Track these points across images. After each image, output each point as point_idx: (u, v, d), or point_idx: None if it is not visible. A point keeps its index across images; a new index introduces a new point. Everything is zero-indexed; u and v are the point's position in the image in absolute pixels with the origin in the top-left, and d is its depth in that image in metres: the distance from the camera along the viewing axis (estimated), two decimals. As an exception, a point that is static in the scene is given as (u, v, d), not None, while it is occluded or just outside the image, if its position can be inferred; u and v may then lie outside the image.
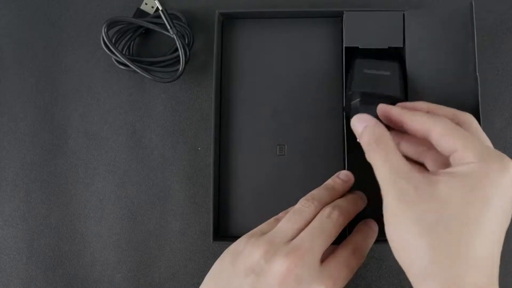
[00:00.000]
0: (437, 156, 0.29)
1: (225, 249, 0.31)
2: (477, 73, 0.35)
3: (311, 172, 0.37)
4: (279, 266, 0.27)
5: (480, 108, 0.35)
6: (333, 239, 0.29)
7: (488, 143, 0.29)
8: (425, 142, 0.29)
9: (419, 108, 0.30)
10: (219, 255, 0.31)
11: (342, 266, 0.29)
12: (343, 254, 0.30)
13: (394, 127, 0.31)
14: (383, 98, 0.32)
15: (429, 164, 0.30)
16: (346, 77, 0.36)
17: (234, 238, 0.36)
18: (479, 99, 0.35)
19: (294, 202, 0.32)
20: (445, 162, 0.28)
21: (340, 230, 0.30)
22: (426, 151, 0.30)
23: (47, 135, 0.42)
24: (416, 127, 0.28)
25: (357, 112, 0.31)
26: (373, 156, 0.28)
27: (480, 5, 0.40)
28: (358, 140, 0.30)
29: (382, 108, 0.30)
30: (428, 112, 0.30)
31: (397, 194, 0.26)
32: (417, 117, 0.28)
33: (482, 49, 0.40)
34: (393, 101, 0.31)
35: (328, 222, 0.29)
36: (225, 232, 0.38)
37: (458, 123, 0.28)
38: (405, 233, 0.25)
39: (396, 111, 0.29)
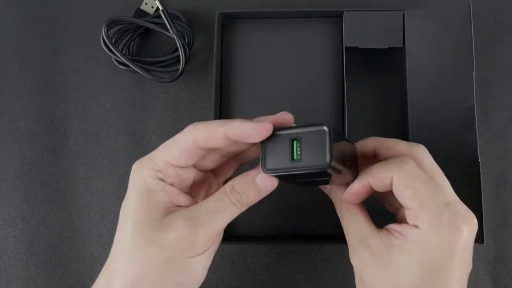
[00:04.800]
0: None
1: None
2: (474, 73, 0.35)
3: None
4: None
5: (475, 107, 0.35)
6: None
7: (441, 178, 0.27)
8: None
9: (366, 148, 0.29)
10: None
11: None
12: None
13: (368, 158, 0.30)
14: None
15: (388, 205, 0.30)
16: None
17: (237, 239, 0.36)
18: (474, 99, 0.35)
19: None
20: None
21: None
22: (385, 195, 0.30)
23: (47, 135, 0.42)
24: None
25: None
26: (340, 216, 0.29)
27: (480, 5, 0.40)
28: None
29: (373, 141, 0.30)
30: (375, 149, 0.29)
31: (357, 259, 0.27)
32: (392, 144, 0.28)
33: (482, 49, 0.40)
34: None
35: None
36: (228, 233, 0.37)
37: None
38: None
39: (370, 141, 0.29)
